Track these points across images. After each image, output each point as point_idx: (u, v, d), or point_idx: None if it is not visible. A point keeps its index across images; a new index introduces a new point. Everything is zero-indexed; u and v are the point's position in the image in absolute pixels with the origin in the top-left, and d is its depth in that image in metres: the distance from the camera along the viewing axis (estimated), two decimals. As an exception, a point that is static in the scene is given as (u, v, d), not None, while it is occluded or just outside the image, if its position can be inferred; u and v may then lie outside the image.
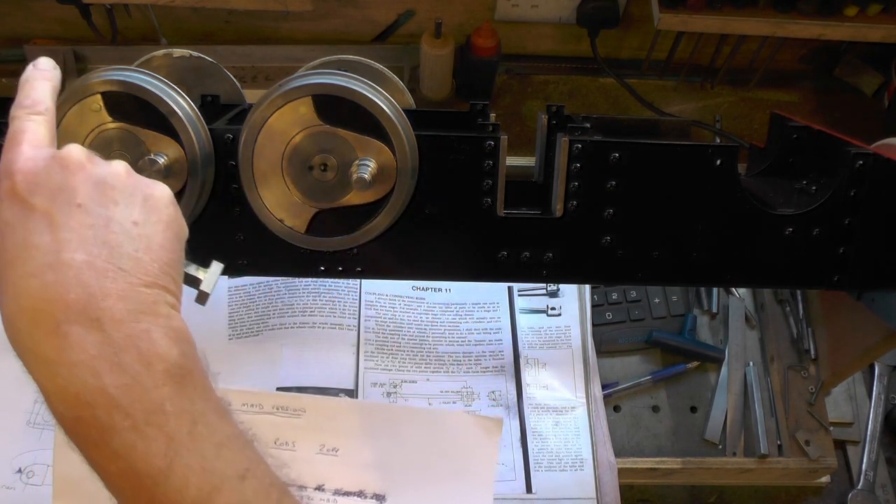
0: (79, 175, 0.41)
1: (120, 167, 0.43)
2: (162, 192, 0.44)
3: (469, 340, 0.86)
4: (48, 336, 0.37)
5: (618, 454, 0.82)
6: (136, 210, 0.42)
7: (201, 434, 0.39)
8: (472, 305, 0.88)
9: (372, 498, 0.74)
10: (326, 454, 0.75)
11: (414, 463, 0.75)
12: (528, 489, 0.79)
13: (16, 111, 0.43)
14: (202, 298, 0.47)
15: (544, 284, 0.90)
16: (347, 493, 0.74)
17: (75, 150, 0.42)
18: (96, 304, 0.38)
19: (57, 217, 0.39)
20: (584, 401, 0.84)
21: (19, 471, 0.77)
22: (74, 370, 0.37)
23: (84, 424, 0.38)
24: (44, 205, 0.39)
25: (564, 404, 0.83)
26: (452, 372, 0.85)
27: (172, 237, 0.43)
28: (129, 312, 0.39)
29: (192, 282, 0.47)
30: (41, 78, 0.46)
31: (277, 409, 0.75)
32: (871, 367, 0.98)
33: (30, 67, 0.47)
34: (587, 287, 0.90)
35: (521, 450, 0.81)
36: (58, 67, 0.47)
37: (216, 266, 0.48)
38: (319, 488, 0.74)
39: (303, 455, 0.74)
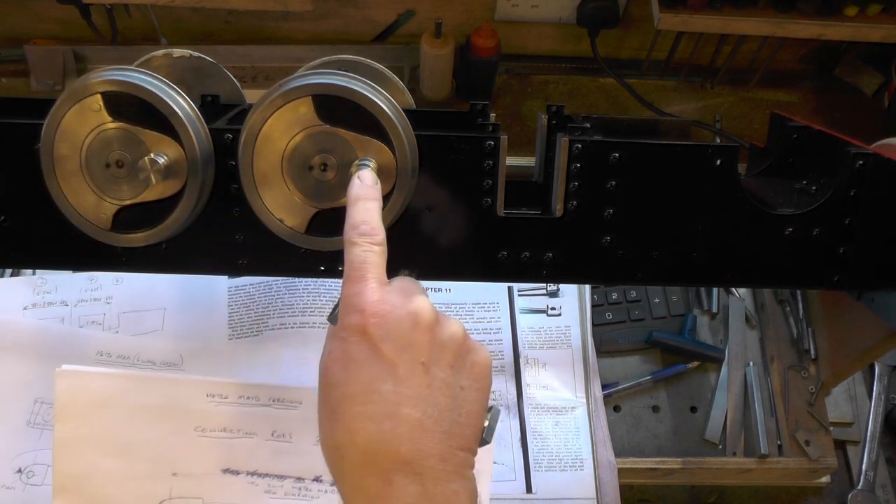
0: (427, 334, 0.44)
1: (458, 330, 0.47)
2: (485, 359, 0.48)
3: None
4: (376, 478, 0.42)
5: (618, 454, 0.82)
6: (464, 376, 0.46)
7: None
8: (472, 305, 0.88)
9: None
10: None
11: None
12: (528, 489, 0.79)
13: (354, 237, 0.47)
14: (483, 445, 0.48)
15: (544, 284, 0.90)
16: None
17: (427, 309, 0.45)
18: (421, 460, 0.42)
19: (401, 370, 0.43)
20: (584, 401, 0.84)
21: (19, 471, 0.77)
22: None
23: None
24: (392, 355, 0.43)
25: (564, 404, 0.83)
26: (452, 372, 0.84)
27: (485, 403, 0.47)
28: (446, 472, 0.43)
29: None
30: (373, 199, 0.49)
31: (274, 401, 0.75)
32: (871, 367, 0.98)
33: (358, 182, 0.50)
34: (587, 287, 0.89)
35: (521, 450, 0.81)
36: (378, 183, 0.51)
37: (496, 412, 0.49)
38: (317, 479, 0.74)
39: (300, 447, 0.74)
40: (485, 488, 0.74)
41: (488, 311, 0.88)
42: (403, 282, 0.47)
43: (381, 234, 0.47)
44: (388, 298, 0.44)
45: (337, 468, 0.43)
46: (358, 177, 0.51)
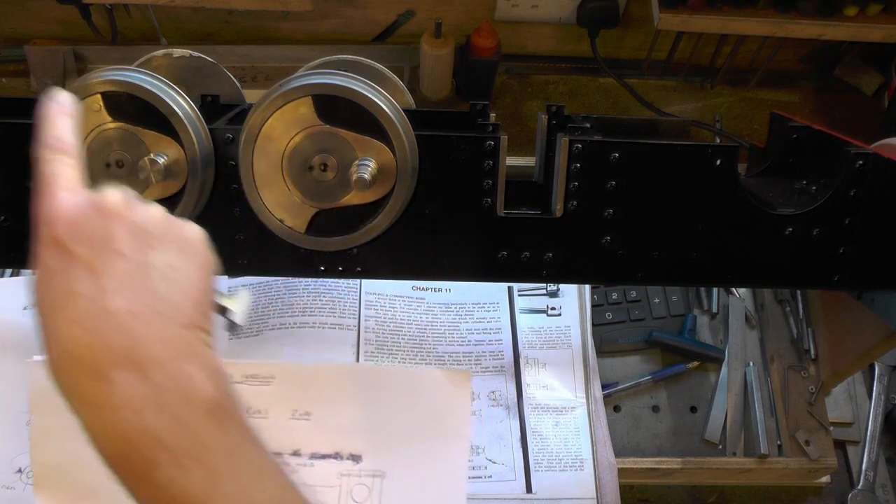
0: (118, 222, 0.42)
1: (157, 211, 0.44)
2: (195, 233, 0.45)
3: (469, 340, 0.86)
4: (93, 381, 0.39)
5: (618, 454, 0.82)
6: (172, 254, 0.43)
7: (239, 465, 0.41)
8: (472, 305, 0.88)
9: (348, 458, 0.74)
10: (299, 419, 0.75)
11: (387, 421, 0.75)
12: (528, 489, 0.79)
13: (43, 152, 0.44)
14: (232, 328, 0.48)
15: (544, 284, 0.90)
16: (324, 456, 0.75)
17: (114, 197, 0.43)
18: (138, 349, 0.40)
19: (98, 265, 0.40)
20: (584, 401, 0.84)
21: (19, 471, 0.77)
22: (119, 412, 0.39)
23: (128, 461, 0.39)
24: (85, 253, 0.40)
25: (564, 404, 0.83)
26: (452, 372, 0.85)
27: (205, 276, 0.44)
28: (170, 355, 0.40)
29: (222, 311, 0.48)
30: (62, 114, 0.46)
31: (247, 377, 0.75)
32: (871, 367, 0.98)
33: (47, 101, 0.47)
34: (587, 287, 0.89)
35: (521, 450, 0.81)
36: (77, 102, 0.47)
37: (244, 294, 0.49)
38: (296, 454, 0.74)
39: (276, 422, 0.74)
40: (462, 444, 0.74)
41: (488, 311, 0.88)
42: (104, 189, 0.44)
43: (70, 144, 0.44)
44: (77, 202, 0.42)
45: (60, 386, 0.40)
46: (52, 98, 0.46)
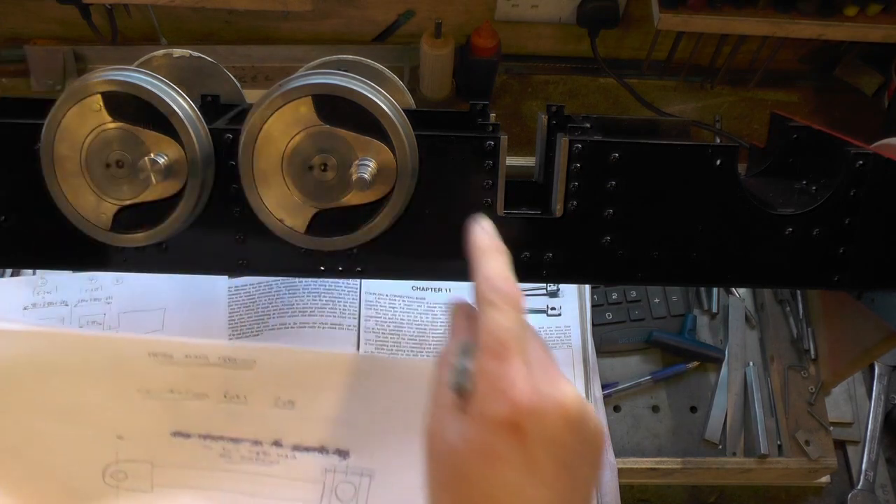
0: (575, 433, 0.39)
1: (601, 427, 0.42)
2: (603, 443, 0.42)
3: (469, 340, 0.86)
4: None
5: (618, 454, 0.82)
6: (594, 470, 0.41)
7: None
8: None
9: (334, 454, 0.69)
10: (282, 408, 0.70)
11: (378, 415, 0.70)
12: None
13: (494, 297, 0.41)
14: None
15: (544, 284, 0.90)
16: (307, 449, 0.69)
17: (576, 402, 0.39)
18: None
19: (548, 474, 0.38)
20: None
21: (19, 471, 0.77)
22: None
23: None
24: (538, 453, 0.38)
25: (564, 404, 0.83)
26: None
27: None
28: None
29: None
30: (504, 252, 0.43)
31: (225, 360, 0.69)
32: (871, 367, 0.98)
33: (481, 230, 0.44)
34: (587, 287, 0.89)
35: (521, 450, 0.81)
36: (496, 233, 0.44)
37: None
38: (276, 443, 0.70)
39: (256, 409, 0.69)
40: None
41: (488, 311, 0.88)
42: (538, 351, 0.41)
43: (522, 298, 0.41)
44: (538, 386, 0.39)
45: None
46: (480, 225, 0.45)
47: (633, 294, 0.96)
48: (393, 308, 0.87)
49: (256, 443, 0.69)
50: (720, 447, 0.88)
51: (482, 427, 0.38)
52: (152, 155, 0.55)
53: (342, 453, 0.70)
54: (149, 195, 0.58)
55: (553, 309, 0.89)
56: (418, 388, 0.69)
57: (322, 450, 0.70)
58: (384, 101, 0.56)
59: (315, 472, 0.70)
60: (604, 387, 0.87)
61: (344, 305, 0.85)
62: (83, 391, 0.66)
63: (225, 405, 0.68)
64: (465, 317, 0.46)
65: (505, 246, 0.44)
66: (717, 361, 0.93)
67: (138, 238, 0.59)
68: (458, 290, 0.89)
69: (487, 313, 0.40)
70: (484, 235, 0.45)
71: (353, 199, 0.58)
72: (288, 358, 0.71)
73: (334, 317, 0.84)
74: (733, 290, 0.96)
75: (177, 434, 0.68)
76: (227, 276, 0.84)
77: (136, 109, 0.55)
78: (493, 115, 0.65)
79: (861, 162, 0.61)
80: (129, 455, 0.67)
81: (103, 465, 0.67)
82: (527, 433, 0.37)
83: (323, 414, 0.70)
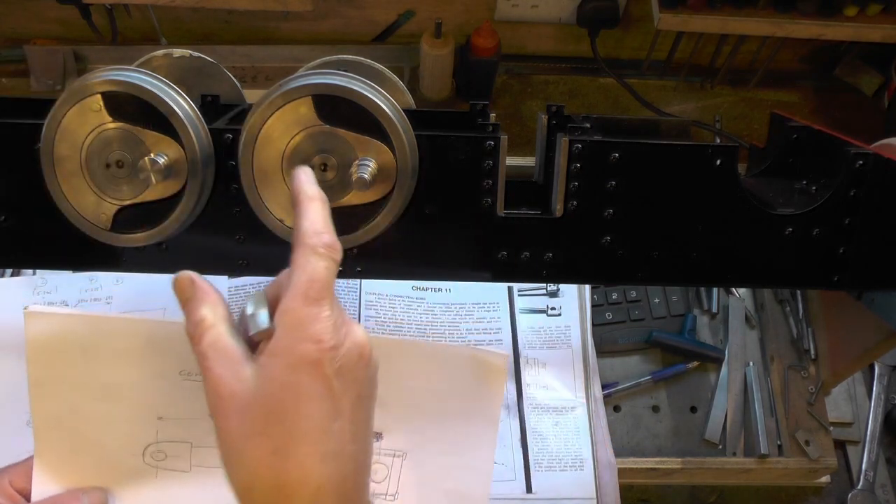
0: (366, 369, 0.44)
1: (377, 361, 0.46)
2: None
3: (469, 340, 0.86)
4: None
5: (618, 454, 0.82)
6: (373, 400, 0.46)
7: None
8: (472, 305, 0.88)
9: None
10: None
11: (413, 399, 0.70)
12: (528, 489, 0.79)
13: (319, 246, 0.43)
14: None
15: (544, 284, 0.90)
16: None
17: (367, 342, 0.44)
18: (359, 493, 0.43)
19: (347, 407, 0.42)
20: (584, 401, 0.84)
21: (19, 471, 0.77)
22: None
23: None
24: (341, 391, 0.41)
25: (564, 404, 0.83)
26: (452, 372, 0.84)
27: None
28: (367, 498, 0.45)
29: None
30: (325, 201, 0.46)
31: None
32: (871, 367, 0.99)
33: (304, 178, 0.46)
34: (587, 287, 0.89)
35: (521, 450, 0.81)
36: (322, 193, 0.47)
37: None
38: None
39: None
40: (491, 431, 0.70)
41: (488, 311, 0.88)
42: (336, 300, 0.45)
43: (339, 246, 0.44)
44: (339, 327, 0.42)
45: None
46: (302, 171, 0.47)
47: (633, 294, 0.96)
48: (393, 308, 0.87)
49: None
50: (720, 447, 0.88)
51: (288, 365, 0.41)
52: (152, 155, 0.55)
53: (376, 434, 0.70)
54: (149, 195, 0.58)
55: (553, 309, 0.89)
56: (450, 372, 0.70)
57: None
58: (384, 101, 0.56)
59: None
60: (604, 387, 0.88)
61: (344, 305, 0.85)
62: (126, 372, 0.67)
63: None
64: (197, 286, 0.47)
65: (326, 197, 0.46)
66: (717, 361, 0.93)
67: (138, 238, 0.59)
68: (459, 291, 0.89)
69: (309, 258, 0.43)
70: (310, 183, 0.46)
71: (353, 199, 0.58)
72: None
73: (334, 317, 0.84)
74: (733, 290, 0.96)
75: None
76: (227, 276, 0.84)
77: (136, 109, 0.55)
78: (493, 115, 0.65)
79: (861, 162, 0.61)
80: (169, 436, 0.67)
81: (144, 444, 0.68)
82: (329, 369, 0.41)
83: None
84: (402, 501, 0.69)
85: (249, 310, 0.45)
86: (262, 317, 0.44)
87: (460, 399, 0.70)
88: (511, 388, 0.84)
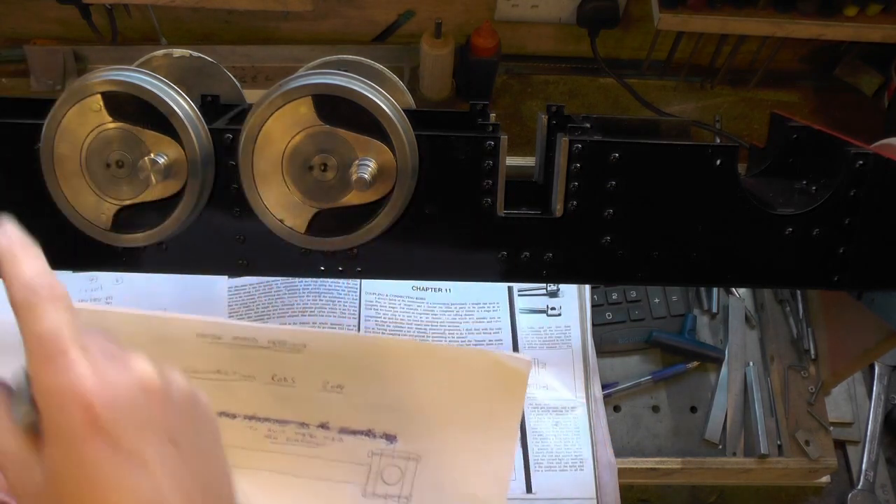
0: (160, 401, 0.37)
1: (182, 380, 0.39)
2: (205, 398, 0.41)
3: (469, 340, 0.86)
4: None
5: (618, 454, 0.82)
6: (203, 428, 0.40)
7: None
8: (472, 305, 0.88)
9: (382, 437, 0.69)
10: (330, 391, 0.69)
11: (428, 402, 0.69)
12: (528, 489, 0.79)
13: (35, 300, 0.35)
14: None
15: (544, 284, 0.90)
16: (355, 432, 0.69)
17: (150, 371, 0.37)
18: None
19: (150, 456, 0.35)
20: (584, 401, 0.84)
21: (19, 471, 0.77)
22: None
23: None
24: (133, 442, 0.35)
25: (564, 404, 0.83)
26: (453, 372, 0.85)
27: (219, 441, 0.41)
28: None
29: None
30: (31, 246, 0.37)
31: (275, 343, 0.69)
32: (871, 367, 0.99)
33: (2, 233, 0.37)
34: (587, 287, 0.89)
35: (521, 450, 0.81)
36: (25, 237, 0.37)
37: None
38: (323, 426, 0.69)
39: (304, 392, 0.69)
40: (510, 438, 0.69)
41: (488, 311, 0.88)
42: (99, 341, 0.37)
43: (61, 287, 0.36)
44: (105, 372, 0.35)
45: None
46: (2, 229, 0.37)
47: (633, 294, 0.96)
48: (393, 308, 0.87)
49: (303, 425, 0.69)
50: (720, 447, 0.88)
51: (65, 447, 0.34)
52: (152, 155, 0.55)
53: (390, 437, 0.70)
54: (149, 195, 0.58)
55: (553, 309, 0.89)
56: (469, 376, 0.69)
57: (369, 433, 0.69)
58: (384, 101, 0.56)
59: (361, 454, 0.69)
60: (604, 387, 0.88)
61: (344, 305, 0.85)
62: None
63: (272, 387, 0.69)
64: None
65: (30, 238, 0.37)
66: (717, 361, 0.93)
67: (138, 238, 0.59)
68: (459, 291, 0.89)
69: (27, 319, 0.35)
70: (5, 238, 0.37)
71: (353, 199, 0.58)
72: (339, 343, 0.71)
73: (334, 317, 0.84)
74: (733, 290, 0.96)
75: (223, 414, 0.69)
76: (227, 276, 0.84)
77: (136, 109, 0.56)
78: (493, 115, 0.65)
79: (861, 162, 0.61)
80: None
81: None
82: (106, 425, 0.34)
83: (371, 399, 0.69)
84: None
85: (13, 399, 0.37)
86: (23, 398, 0.36)
87: (480, 404, 0.69)
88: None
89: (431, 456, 0.69)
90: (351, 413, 0.70)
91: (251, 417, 0.69)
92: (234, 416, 0.69)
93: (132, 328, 0.69)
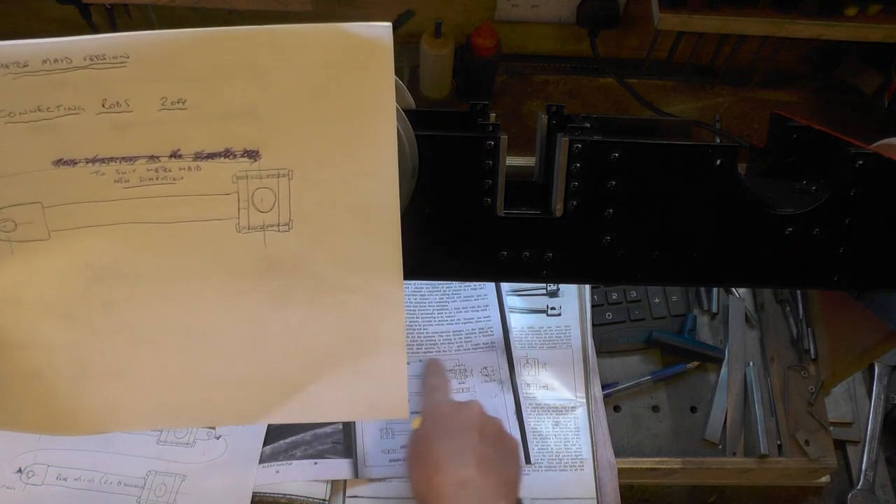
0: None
1: None
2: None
3: (458, 319, 0.87)
4: None
5: (618, 454, 0.82)
6: None
7: None
8: (459, 284, 0.89)
9: (243, 156, 0.58)
10: (173, 109, 0.57)
11: (284, 101, 0.59)
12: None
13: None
14: None
15: (544, 284, 0.90)
16: (211, 155, 0.58)
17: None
18: None
19: None
20: (584, 401, 0.84)
21: (19, 471, 0.77)
22: None
23: None
24: None
25: (564, 404, 0.83)
26: (444, 351, 0.85)
27: None
28: None
29: None
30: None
31: (92, 59, 0.55)
32: (871, 367, 0.98)
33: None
34: (587, 287, 0.90)
35: (517, 424, 0.81)
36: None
37: None
38: (175, 154, 0.58)
39: (143, 116, 0.57)
40: (386, 123, 0.55)
41: (475, 288, 0.91)
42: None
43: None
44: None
45: None
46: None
47: (633, 294, 0.96)
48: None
49: (153, 158, 0.58)
50: (720, 447, 0.88)
51: None
52: (151, 153, 0.54)
53: (251, 154, 0.58)
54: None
55: (553, 309, 0.89)
56: (321, 57, 0.59)
57: (228, 153, 0.58)
58: (384, 100, 0.56)
59: (225, 181, 0.58)
60: (604, 387, 0.88)
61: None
62: None
63: (105, 116, 0.56)
64: None
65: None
66: (717, 361, 0.93)
67: (137, 237, 0.58)
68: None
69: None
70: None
71: (352, 198, 0.58)
72: (165, 45, 0.57)
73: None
74: (733, 290, 0.96)
75: (60, 162, 0.57)
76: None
77: (135, 108, 0.55)
78: (493, 115, 0.65)
79: (861, 162, 0.61)
80: (12, 198, 0.56)
81: None
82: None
83: (220, 109, 0.58)
84: (300, 230, 0.58)
85: None
86: None
87: (342, 92, 0.58)
88: (503, 362, 0.84)
89: (304, 167, 0.58)
90: (202, 132, 0.58)
91: (93, 160, 0.57)
92: (74, 163, 0.57)
93: None
